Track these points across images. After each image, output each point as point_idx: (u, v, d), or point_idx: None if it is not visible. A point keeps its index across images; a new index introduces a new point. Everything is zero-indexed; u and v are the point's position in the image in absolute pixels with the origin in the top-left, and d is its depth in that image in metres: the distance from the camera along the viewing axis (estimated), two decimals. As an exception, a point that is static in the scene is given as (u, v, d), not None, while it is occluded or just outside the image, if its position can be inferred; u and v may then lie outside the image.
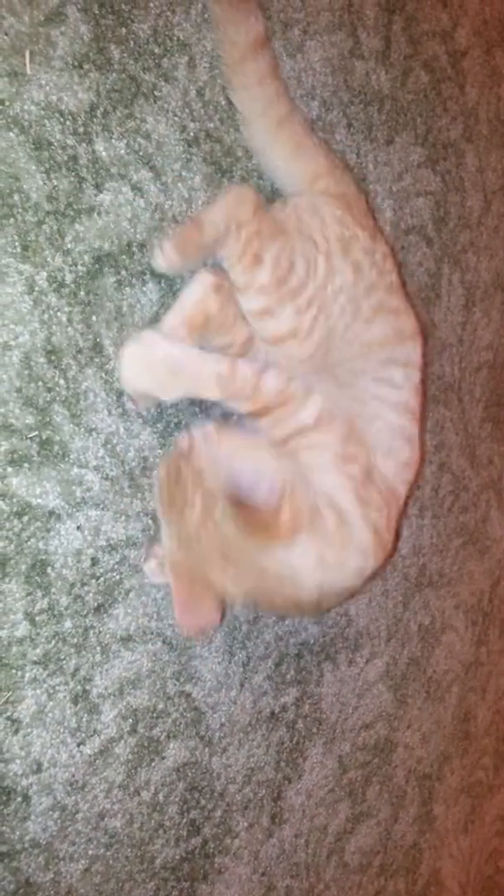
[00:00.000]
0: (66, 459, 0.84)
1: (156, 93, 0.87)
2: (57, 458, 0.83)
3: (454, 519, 1.45)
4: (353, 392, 0.91)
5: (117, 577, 0.90)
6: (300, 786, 1.20)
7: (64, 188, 0.81)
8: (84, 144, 0.82)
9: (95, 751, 0.91)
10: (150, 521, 0.92)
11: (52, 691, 0.86)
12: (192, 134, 0.91)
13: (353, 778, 1.31)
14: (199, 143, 0.91)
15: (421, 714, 1.45)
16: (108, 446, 0.87)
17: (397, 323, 0.93)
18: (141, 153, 0.86)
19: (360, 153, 1.13)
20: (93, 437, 0.86)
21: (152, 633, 0.95)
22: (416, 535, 1.36)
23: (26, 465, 0.81)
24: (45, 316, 0.81)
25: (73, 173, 0.81)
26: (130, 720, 0.94)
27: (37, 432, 0.82)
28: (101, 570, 0.89)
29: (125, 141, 0.85)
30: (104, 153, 0.83)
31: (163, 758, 0.99)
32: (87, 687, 0.89)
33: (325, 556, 0.84)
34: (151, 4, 0.86)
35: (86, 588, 0.88)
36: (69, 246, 0.82)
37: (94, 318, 0.85)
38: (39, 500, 0.83)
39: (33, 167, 0.78)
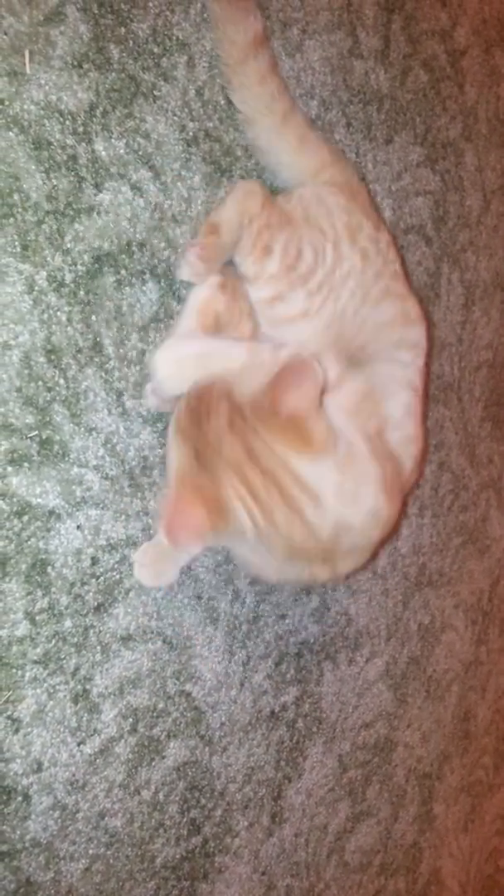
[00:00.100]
0: (66, 459, 0.84)
1: (155, 92, 0.87)
2: (57, 458, 0.83)
3: (454, 518, 1.45)
4: (367, 372, 0.92)
5: (117, 576, 0.90)
6: (300, 785, 1.20)
7: (63, 188, 0.81)
8: (83, 144, 0.82)
9: (96, 750, 0.91)
10: (149, 521, 0.92)
11: (52, 691, 0.86)
12: (191, 133, 0.91)
13: (353, 777, 1.31)
14: (199, 143, 0.91)
15: (421, 713, 1.45)
16: (108, 446, 0.88)
17: (404, 306, 0.94)
18: (140, 153, 0.86)
19: (359, 152, 1.13)
20: (93, 437, 0.86)
21: (152, 633, 0.95)
22: (416, 534, 1.36)
23: (26, 464, 0.81)
24: (45, 315, 0.81)
25: (72, 173, 0.81)
26: (131, 719, 0.94)
27: (37, 432, 0.82)
28: (101, 570, 0.89)
29: (124, 140, 0.85)
30: (104, 153, 0.84)
31: (163, 757, 0.99)
32: (88, 686, 0.89)
33: (343, 484, 0.80)
34: (150, 4, 0.86)
35: (86, 587, 0.88)
36: (69, 245, 0.82)
37: (93, 317, 0.85)
38: (39, 500, 0.83)
39: (33, 167, 0.78)
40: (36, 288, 0.80)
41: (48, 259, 0.80)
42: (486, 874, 1.79)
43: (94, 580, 0.88)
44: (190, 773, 1.02)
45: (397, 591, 1.33)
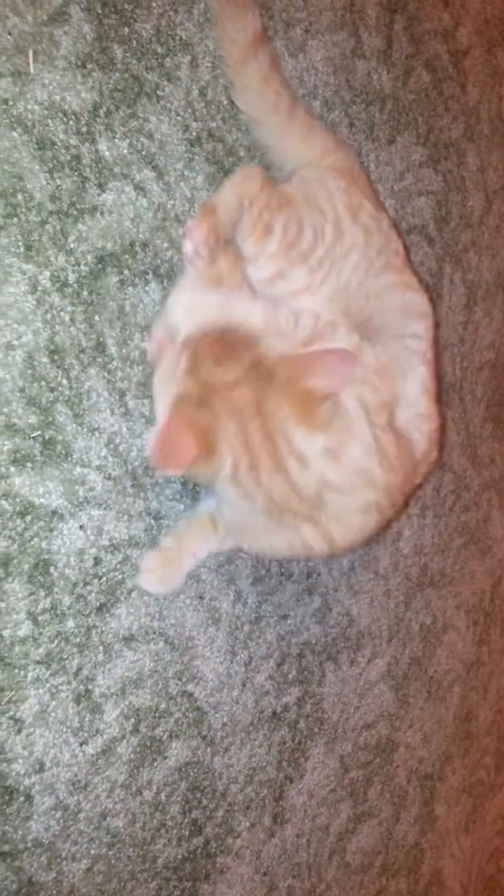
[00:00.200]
0: (69, 459, 0.84)
1: (158, 92, 0.87)
2: (60, 458, 0.83)
3: (456, 518, 1.45)
4: (378, 350, 0.92)
5: (120, 576, 0.90)
6: (302, 785, 1.20)
7: (67, 188, 0.81)
8: (87, 144, 0.82)
9: (98, 750, 0.91)
10: (152, 521, 0.92)
11: (54, 691, 0.86)
12: (194, 133, 0.91)
13: (354, 778, 1.31)
14: (202, 143, 0.91)
15: (422, 714, 1.45)
16: (111, 446, 0.87)
17: (402, 278, 0.95)
18: (144, 153, 0.86)
19: (361, 153, 1.13)
20: (95, 437, 0.86)
21: (155, 633, 0.95)
22: (418, 534, 1.36)
23: (29, 464, 0.81)
24: (49, 316, 0.81)
25: (76, 173, 0.81)
26: (133, 720, 0.94)
27: (40, 432, 0.82)
28: (104, 570, 0.89)
29: (128, 140, 0.85)
30: (107, 153, 0.83)
31: (165, 757, 0.99)
32: (90, 686, 0.89)
33: (328, 444, 0.81)
34: (154, 4, 0.86)
35: (88, 588, 0.88)
36: (72, 246, 0.82)
37: (96, 317, 0.85)
38: (42, 500, 0.83)
39: (37, 167, 0.78)
40: (39, 288, 0.80)
41: (51, 259, 0.80)
42: (487, 875, 1.79)
43: (96, 580, 0.88)
44: (192, 774, 1.02)
45: (399, 591, 1.33)
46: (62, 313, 0.82)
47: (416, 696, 1.42)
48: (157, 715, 0.97)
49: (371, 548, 1.27)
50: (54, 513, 0.84)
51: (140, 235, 0.87)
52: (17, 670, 0.83)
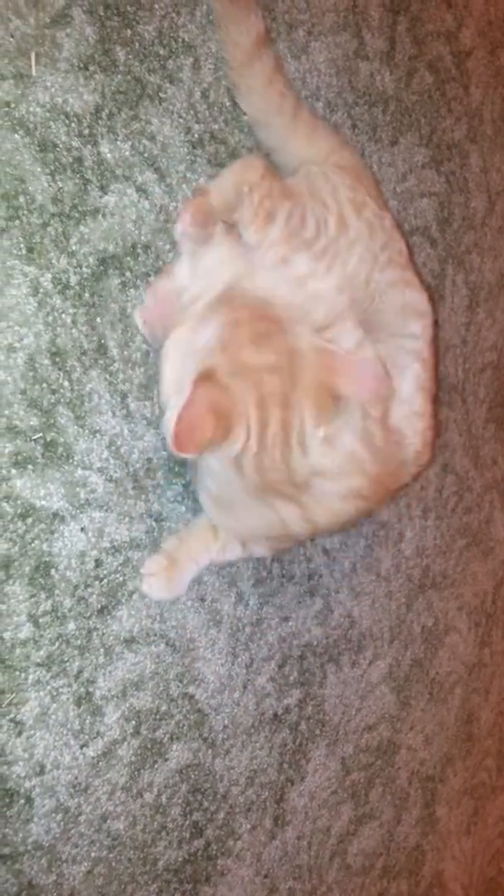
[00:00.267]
0: (71, 461, 0.84)
1: (161, 94, 0.87)
2: (61, 460, 0.83)
3: (457, 520, 1.45)
4: (377, 347, 0.92)
5: (121, 578, 0.90)
6: (303, 788, 1.20)
7: (69, 190, 0.81)
8: (89, 146, 0.82)
9: (98, 753, 0.91)
10: (153, 523, 0.92)
11: (55, 693, 0.86)
12: (196, 135, 0.90)
13: (355, 780, 1.31)
14: (204, 145, 0.91)
15: (424, 716, 1.45)
16: (113, 448, 0.87)
17: (404, 275, 0.94)
18: (146, 155, 0.86)
19: (364, 154, 1.12)
20: (97, 439, 0.86)
21: (156, 635, 0.95)
22: (420, 536, 1.36)
23: (30, 466, 0.81)
24: (50, 318, 0.81)
25: (78, 175, 0.81)
26: (133, 722, 0.94)
27: (41, 434, 0.82)
28: (105, 572, 0.89)
29: (130, 142, 0.85)
30: (109, 155, 0.83)
31: (166, 760, 0.99)
32: (91, 689, 0.89)
33: (327, 434, 0.82)
34: (156, 6, 0.86)
35: (89, 590, 0.88)
36: (74, 248, 0.82)
37: (98, 319, 0.85)
38: (43, 502, 0.83)
39: (38, 169, 0.78)
40: (41, 290, 0.80)
41: (53, 261, 0.80)
42: (488, 877, 1.79)
43: (97, 582, 0.88)
44: (192, 776, 1.02)
45: (401, 593, 1.33)
46: (64, 315, 0.82)
47: (417, 698, 1.42)
48: (157, 717, 0.97)
49: (373, 549, 1.27)
50: (55, 515, 0.84)
51: (142, 237, 0.87)
52: (17, 673, 0.83)
